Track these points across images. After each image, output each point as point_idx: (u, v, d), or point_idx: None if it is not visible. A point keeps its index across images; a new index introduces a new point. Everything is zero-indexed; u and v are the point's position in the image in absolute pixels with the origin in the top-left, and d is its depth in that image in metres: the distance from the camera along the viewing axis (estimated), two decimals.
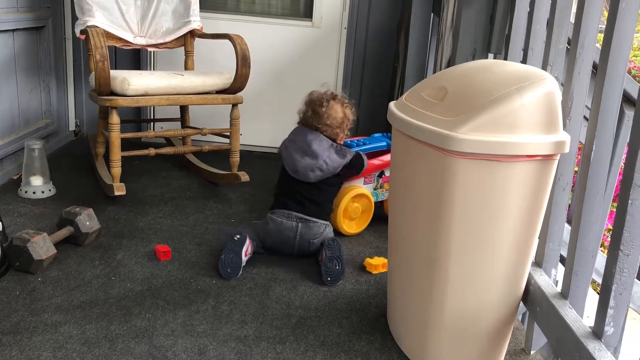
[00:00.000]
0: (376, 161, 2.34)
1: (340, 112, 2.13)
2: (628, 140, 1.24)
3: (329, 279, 1.90)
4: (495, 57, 2.09)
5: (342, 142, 2.18)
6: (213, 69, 2.81)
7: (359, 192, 2.26)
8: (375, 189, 2.37)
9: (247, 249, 1.95)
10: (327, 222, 2.09)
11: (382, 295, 1.87)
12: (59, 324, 1.58)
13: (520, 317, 1.85)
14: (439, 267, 1.39)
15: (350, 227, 2.31)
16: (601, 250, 2.58)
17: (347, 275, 1.98)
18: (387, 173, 2.37)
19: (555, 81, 1.32)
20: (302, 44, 3.30)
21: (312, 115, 2.12)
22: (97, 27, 2.52)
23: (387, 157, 2.35)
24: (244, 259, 1.94)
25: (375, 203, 2.37)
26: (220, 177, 2.75)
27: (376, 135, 2.53)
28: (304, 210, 2.03)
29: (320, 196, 2.08)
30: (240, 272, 1.93)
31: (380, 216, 2.43)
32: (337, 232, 2.24)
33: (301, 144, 2.08)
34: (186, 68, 2.93)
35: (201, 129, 2.60)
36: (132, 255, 2.01)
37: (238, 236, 1.94)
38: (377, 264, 2.01)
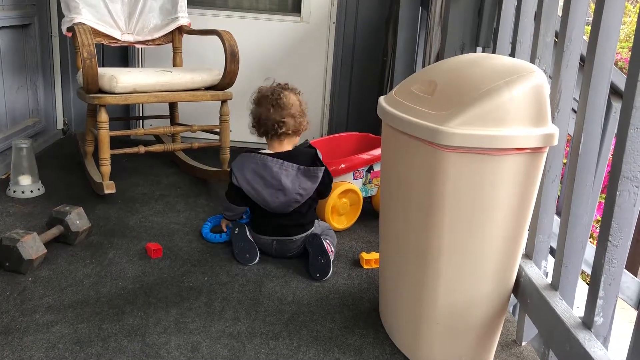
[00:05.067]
0: (365, 156, 2.34)
1: (297, 100, 2.01)
2: (616, 132, 1.25)
3: (317, 275, 1.91)
4: (483, 51, 2.10)
5: (305, 129, 2.05)
6: (202, 65, 2.80)
7: (346, 188, 2.26)
8: (364, 184, 2.37)
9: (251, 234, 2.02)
10: (307, 233, 2.02)
11: (374, 290, 1.87)
12: (51, 323, 1.57)
13: (511, 309, 1.87)
14: (430, 260, 1.40)
15: (340, 222, 2.31)
16: (590, 242, 2.60)
17: (339, 270, 1.99)
18: (375, 168, 2.37)
19: (544, 74, 1.32)
20: (290, 39, 3.30)
21: (274, 110, 1.95)
22: (84, 24, 2.51)
23: (376, 152, 2.35)
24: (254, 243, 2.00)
25: (365, 198, 2.37)
26: (210, 174, 2.74)
27: None
28: (283, 234, 2.00)
29: (299, 219, 2.00)
30: (258, 256, 1.99)
31: (369, 211, 2.43)
32: None
33: (270, 179, 1.93)
34: (174, 65, 2.92)
35: (191, 126, 2.59)
36: (123, 253, 2.00)
37: (237, 228, 2.01)
38: (370, 258, 2.02)
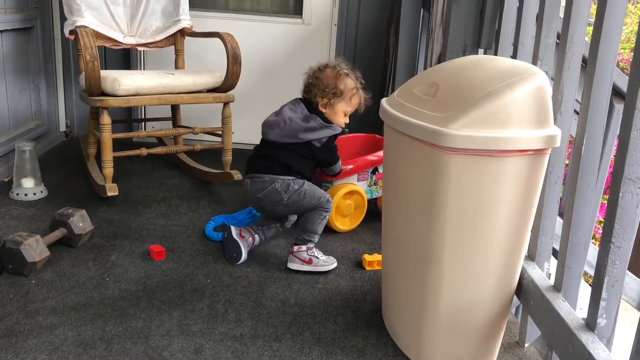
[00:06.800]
0: (371, 157, 2.33)
1: (332, 80, 2.03)
2: (618, 133, 1.25)
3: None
4: (485, 52, 2.10)
5: (322, 109, 2.04)
6: (203, 67, 2.80)
7: (351, 189, 2.26)
8: (369, 186, 2.37)
9: (239, 232, 2.04)
10: (278, 177, 1.97)
11: (376, 291, 1.88)
12: (54, 326, 1.58)
13: (514, 311, 1.86)
14: (432, 262, 1.40)
15: (344, 223, 2.31)
16: (593, 243, 2.60)
17: (341, 272, 1.99)
18: (380, 170, 2.37)
19: (546, 76, 1.32)
20: (292, 41, 3.30)
21: (306, 77, 2.11)
22: (86, 27, 2.51)
23: (381, 153, 2.35)
24: (241, 240, 2.01)
25: (370, 200, 2.37)
26: (212, 176, 2.74)
27: None
28: (257, 167, 2.03)
29: (275, 154, 2.00)
30: (244, 254, 2.01)
31: (373, 213, 2.43)
32: (331, 230, 2.25)
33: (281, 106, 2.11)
34: (176, 67, 2.92)
35: (193, 128, 2.59)
36: (126, 255, 2.01)
37: (225, 232, 2.07)
38: (373, 260, 2.02)
